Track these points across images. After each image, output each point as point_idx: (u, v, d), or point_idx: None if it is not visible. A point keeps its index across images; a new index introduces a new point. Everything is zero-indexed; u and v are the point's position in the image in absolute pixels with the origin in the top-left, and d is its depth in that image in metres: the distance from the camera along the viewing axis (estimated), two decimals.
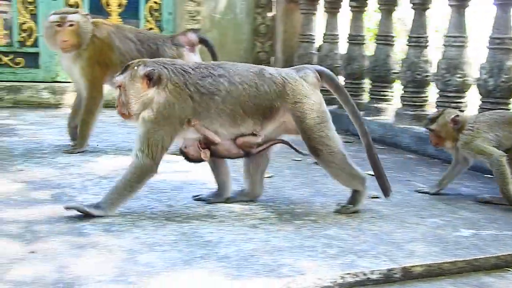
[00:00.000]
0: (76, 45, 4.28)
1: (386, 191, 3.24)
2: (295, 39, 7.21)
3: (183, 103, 2.94)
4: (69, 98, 6.71)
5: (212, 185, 3.39)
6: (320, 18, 7.08)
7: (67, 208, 2.84)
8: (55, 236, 2.59)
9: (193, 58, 4.61)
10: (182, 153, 3.22)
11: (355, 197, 3.23)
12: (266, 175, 3.84)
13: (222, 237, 2.69)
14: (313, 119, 3.09)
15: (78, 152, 4.27)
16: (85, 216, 2.84)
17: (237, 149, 3.13)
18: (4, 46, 6.84)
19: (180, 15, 7.35)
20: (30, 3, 6.89)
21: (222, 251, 2.52)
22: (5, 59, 6.84)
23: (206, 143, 3.09)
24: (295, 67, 3.29)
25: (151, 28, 7.36)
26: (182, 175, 3.74)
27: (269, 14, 7.58)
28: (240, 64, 3.25)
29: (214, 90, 2.98)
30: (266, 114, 3.07)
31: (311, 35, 6.96)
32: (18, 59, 6.91)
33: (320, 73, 3.22)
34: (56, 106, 6.76)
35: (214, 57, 4.84)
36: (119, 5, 7.26)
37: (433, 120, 3.68)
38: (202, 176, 3.76)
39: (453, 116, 3.60)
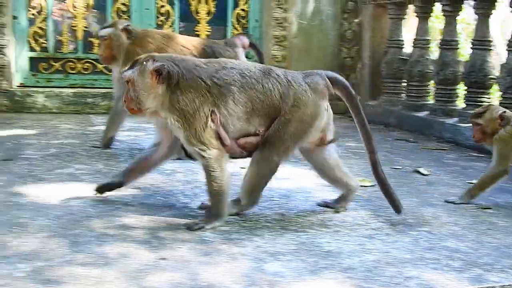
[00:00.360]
0: (112, 57, 4.43)
1: (397, 208, 3.10)
2: (382, 44, 7.13)
3: (202, 96, 2.87)
4: None
5: (318, 192, 3.39)
6: (408, 23, 6.99)
7: (191, 229, 2.82)
8: (181, 243, 2.65)
9: (243, 59, 4.71)
10: None
11: (234, 201, 3.08)
12: (367, 184, 3.84)
13: (341, 248, 2.69)
14: (294, 127, 2.99)
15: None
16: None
17: (239, 149, 3.03)
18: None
19: (267, 22, 7.41)
20: (123, 12, 7.11)
21: (345, 261, 2.52)
22: (100, 66, 7.08)
23: None
24: (306, 71, 3.18)
25: None
26: (286, 183, 3.76)
27: (356, 20, 7.53)
28: (247, 61, 3.20)
29: (231, 81, 2.92)
30: (270, 113, 2.99)
31: (399, 40, 6.87)
32: None
33: (332, 80, 3.11)
34: None
35: (261, 61, 4.94)
36: (208, 13, 7.39)
37: (479, 115, 3.56)
38: (306, 183, 3.78)
39: (500, 112, 3.49)
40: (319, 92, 3.05)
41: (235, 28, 7.45)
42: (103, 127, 5.74)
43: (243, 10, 7.47)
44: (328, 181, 3.34)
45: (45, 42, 6.94)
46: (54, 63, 6.98)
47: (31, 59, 6.90)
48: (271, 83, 2.99)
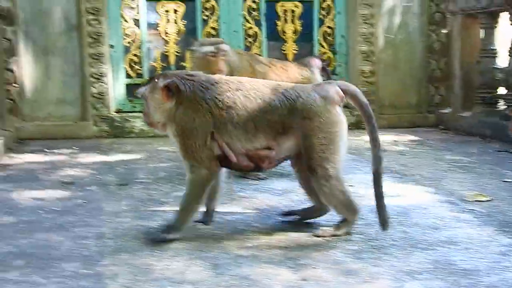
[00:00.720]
0: (228, 74, 4.37)
1: (383, 223, 3.03)
2: (473, 54, 7.00)
3: (203, 117, 2.99)
4: None
5: (435, 209, 3.36)
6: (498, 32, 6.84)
7: (154, 240, 2.97)
8: (314, 263, 2.69)
9: (319, 78, 4.90)
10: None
11: (340, 223, 3.12)
12: (483, 198, 3.78)
13: (477, 265, 2.66)
14: (317, 139, 2.99)
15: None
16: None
17: (247, 161, 3.08)
18: None
19: (353, 37, 7.42)
20: (213, 36, 7.29)
21: (486, 280, 2.49)
22: None
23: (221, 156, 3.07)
24: (317, 83, 3.17)
25: (324, 53, 7.52)
26: (400, 200, 3.76)
27: (444, 31, 7.44)
28: (260, 80, 3.27)
29: (231, 104, 3.00)
30: (279, 129, 3.03)
31: (492, 49, 6.73)
32: None
33: (344, 88, 3.09)
34: None
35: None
36: (294, 32, 7.49)
37: None
38: (420, 199, 3.77)
39: None
40: (331, 99, 3.05)
41: (322, 46, 7.50)
42: None
43: (329, 27, 7.52)
44: (307, 193, 3.31)
45: (140, 68, 7.19)
46: None
47: (127, 85, 7.17)
48: (278, 100, 3.03)
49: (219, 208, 3.41)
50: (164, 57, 7.25)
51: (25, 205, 3.70)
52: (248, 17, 7.37)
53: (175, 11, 7.21)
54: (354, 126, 6.78)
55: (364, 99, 3.12)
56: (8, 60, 6.60)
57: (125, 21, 7.09)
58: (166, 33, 7.22)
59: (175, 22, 7.23)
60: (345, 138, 3.08)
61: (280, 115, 3.02)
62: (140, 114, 6.86)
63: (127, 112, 7.14)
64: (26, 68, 6.76)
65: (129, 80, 7.17)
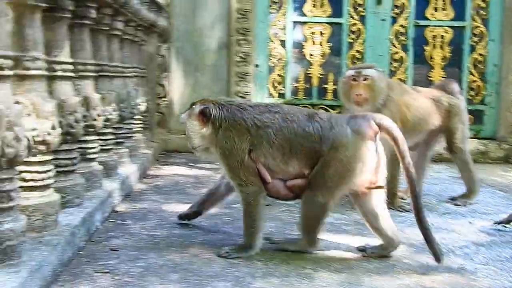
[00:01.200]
0: (369, 99, 4.25)
1: (436, 256, 2.99)
2: None
3: (242, 136, 3.07)
4: None
5: None
6: None
7: (219, 255, 3.08)
8: None
9: (465, 106, 4.71)
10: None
11: (297, 240, 3.25)
12: None
13: None
14: (334, 169, 3.04)
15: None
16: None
17: (286, 190, 3.16)
18: (332, 100, 7.26)
19: (507, 66, 7.03)
20: (358, 59, 7.22)
21: None
22: (334, 112, 7.23)
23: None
24: (353, 114, 3.25)
25: (474, 81, 7.19)
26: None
27: None
28: (296, 107, 3.31)
29: (269, 124, 3.09)
30: (312, 156, 3.07)
31: None
32: None
33: (378, 122, 3.08)
34: None
35: None
36: (443, 58, 7.22)
37: None
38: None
39: None
40: (362, 133, 3.06)
41: (471, 73, 7.18)
42: None
43: (480, 54, 7.18)
44: (372, 229, 3.25)
45: (282, 88, 7.27)
46: None
47: None
48: (313, 127, 3.10)
49: (369, 240, 3.31)
50: (307, 78, 7.28)
51: (175, 218, 3.81)
52: (395, 41, 7.22)
53: (321, 33, 7.22)
54: (502, 160, 6.39)
55: (399, 133, 3.10)
56: (161, 75, 6.93)
57: (272, 41, 7.21)
58: (311, 54, 7.25)
59: (320, 44, 7.24)
60: (363, 173, 3.07)
61: (312, 141, 3.09)
62: None
63: None
64: (176, 83, 7.06)
65: (270, 100, 7.26)
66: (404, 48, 7.23)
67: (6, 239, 2.26)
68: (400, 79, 7.15)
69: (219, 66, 7.08)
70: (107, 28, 4.15)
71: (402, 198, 4.49)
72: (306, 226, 3.19)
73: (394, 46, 7.22)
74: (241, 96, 7.03)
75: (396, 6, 7.19)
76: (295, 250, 3.22)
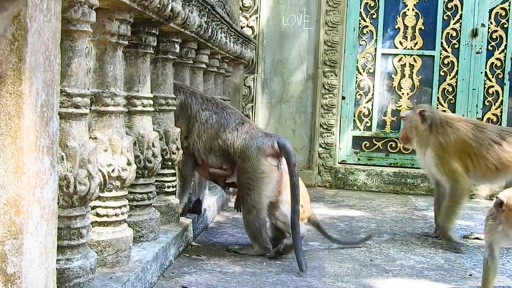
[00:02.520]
0: (406, 138, 4.55)
1: (300, 265, 3.42)
2: None
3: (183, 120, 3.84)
4: (483, 189, 6.48)
5: None
6: None
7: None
8: None
9: None
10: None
11: (247, 245, 3.78)
12: None
13: None
14: (245, 178, 3.60)
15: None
16: None
17: (207, 174, 3.86)
18: None
19: None
20: (449, 92, 6.95)
21: None
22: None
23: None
24: (267, 133, 3.73)
25: None
26: None
27: None
28: (239, 112, 3.85)
29: (204, 120, 3.74)
30: (228, 158, 3.69)
31: None
32: None
33: (280, 144, 3.58)
34: (469, 196, 6.58)
35: None
36: None
37: None
38: None
39: None
40: (262, 150, 3.59)
41: None
42: (427, 212, 5.61)
43: None
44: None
45: (369, 121, 7.10)
46: (376, 142, 7.09)
47: (354, 137, 7.11)
48: (232, 135, 3.67)
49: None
50: (396, 111, 7.08)
51: (251, 256, 3.74)
52: (489, 75, 6.90)
53: (411, 65, 7.02)
54: None
55: (292, 158, 3.52)
56: (246, 106, 6.96)
57: (360, 73, 7.08)
58: (400, 87, 7.05)
59: (410, 77, 7.03)
60: (269, 184, 3.59)
61: (228, 147, 3.68)
62: (365, 168, 6.85)
63: (352, 164, 7.08)
64: (260, 114, 7.06)
65: (356, 133, 7.11)
66: (500, 82, 6.89)
67: (75, 277, 2.27)
68: (494, 114, 6.82)
69: (305, 97, 7.02)
70: (191, 62, 4.19)
71: (478, 238, 4.51)
72: (251, 234, 3.68)
73: (489, 79, 6.89)
74: (325, 129, 6.92)
75: (492, 39, 6.87)
76: (252, 255, 3.69)
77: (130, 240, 2.84)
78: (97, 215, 2.73)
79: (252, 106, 7.03)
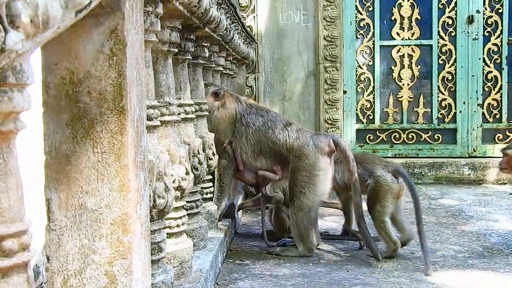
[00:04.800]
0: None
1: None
2: None
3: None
4: (491, 174, 6.57)
5: None
6: None
7: None
8: None
9: None
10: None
11: (292, 247, 3.79)
12: None
13: None
14: (301, 176, 3.62)
15: None
16: None
17: (251, 178, 3.85)
18: (424, 123, 7.07)
19: None
20: (448, 80, 7.03)
21: None
22: (424, 136, 7.05)
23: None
24: (317, 132, 3.95)
25: None
26: None
27: None
28: (279, 114, 3.99)
29: (251, 124, 3.75)
30: (280, 158, 3.72)
31: None
32: (437, 136, 7.07)
33: (335, 142, 3.68)
34: (477, 182, 6.67)
35: None
36: None
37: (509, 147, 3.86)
38: None
39: None
40: (320, 148, 3.65)
41: None
42: (442, 200, 5.66)
43: None
44: None
45: (371, 113, 7.14)
46: (379, 134, 7.13)
47: (358, 130, 7.14)
48: (282, 135, 3.70)
49: None
50: (397, 102, 7.13)
51: (294, 256, 3.72)
52: (487, 60, 6.99)
53: (410, 55, 7.07)
54: None
55: (350, 154, 3.63)
56: None
57: (359, 67, 7.10)
58: (400, 78, 7.10)
59: (409, 67, 7.08)
60: (325, 181, 3.65)
61: (280, 147, 3.73)
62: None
63: None
64: None
65: (360, 126, 7.14)
66: (498, 67, 6.98)
67: None
68: (494, 99, 6.93)
69: (307, 94, 7.03)
70: (214, 65, 4.16)
71: None
72: (298, 233, 3.65)
73: (487, 65, 6.99)
74: (330, 124, 6.94)
75: (488, 24, 6.96)
76: (294, 255, 3.68)
77: (191, 250, 2.81)
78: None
79: None
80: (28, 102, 1.29)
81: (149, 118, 2.22)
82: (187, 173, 2.72)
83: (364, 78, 7.12)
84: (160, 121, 2.64)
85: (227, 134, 3.77)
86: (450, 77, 7.03)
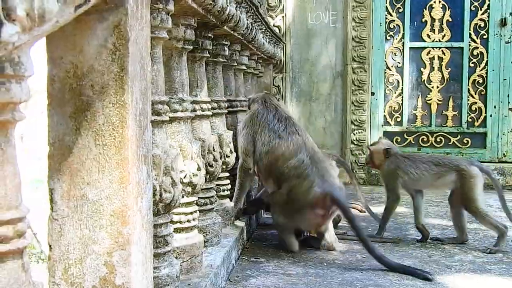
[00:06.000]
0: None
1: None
2: None
3: None
4: None
5: None
6: None
7: None
8: None
9: None
10: None
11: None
12: None
13: None
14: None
15: None
16: None
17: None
18: (453, 127, 6.98)
19: None
20: (479, 84, 6.92)
21: None
22: (453, 140, 6.96)
23: None
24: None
25: None
26: None
27: None
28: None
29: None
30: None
31: None
32: (466, 140, 6.97)
33: (332, 197, 3.60)
34: (506, 188, 6.55)
35: None
36: None
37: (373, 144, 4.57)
38: None
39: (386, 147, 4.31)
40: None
41: None
42: None
43: None
44: None
45: (399, 116, 7.08)
46: (407, 137, 7.07)
47: (385, 133, 7.09)
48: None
49: None
50: (426, 105, 7.05)
51: (310, 256, 3.73)
52: None
53: (440, 58, 6.99)
54: None
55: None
56: None
57: (388, 68, 7.05)
58: (430, 80, 7.02)
59: (439, 70, 7.00)
60: None
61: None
62: None
63: None
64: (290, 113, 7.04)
65: (387, 128, 7.09)
66: None
67: (164, 285, 2.27)
68: None
69: (334, 95, 7.01)
70: (235, 64, 4.19)
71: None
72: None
73: None
74: (356, 125, 6.91)
75: None
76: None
77: (201, 245, 2.84)
78: (171, 221, 2.72)
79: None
80: (27, 94, 1.34)
81: (158, 113, 2.26)
82: (198, 169, 2.75)
83: (392, 80, 7.06)
84: (173, 117, 2.68)
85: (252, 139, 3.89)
86: (481, 81, 6.92)
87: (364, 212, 5.16)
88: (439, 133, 7.00)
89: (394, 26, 7.01)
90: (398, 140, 7.08)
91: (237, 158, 3.89)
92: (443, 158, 4.29)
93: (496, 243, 3.95)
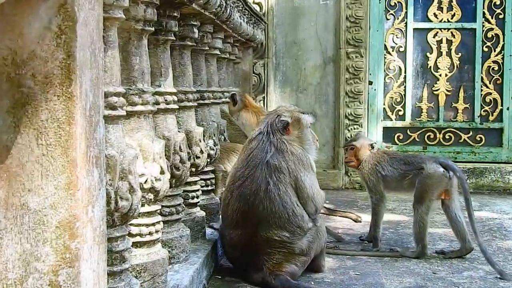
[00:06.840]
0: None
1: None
2: None
3: None
4: None
5: None
6: None
7: None
8: None
9: None
10: None
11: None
12: None
13: None
14: None
15: None
16: None
17: None
18: (464, 121, 7.08)
19: None
20: (494, 71, 7.02)
21: None
22: (464, 137, 7.06)
23: None
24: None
25: None
26: None
27: None
28: None
29: None
30: None
31: None
32: (479, 136, 7.07)
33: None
34: None
35: None
36: None
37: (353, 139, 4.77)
38: None
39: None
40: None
41: None
42: (481, 213, 5.67)
43: None
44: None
45: (401, 109, 7.16)
46: (411, 133, 7.15)
47: (385, 129, 7.16)
48: None
49: None
50: (432, 96, 7.14)
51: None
52: None
53: (449, 41, 7.07)
54: None
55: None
56: (256, 97, 6.99)
57: (389, 53, 7.13)
58: (437, 67, 7.11)
59: (448, 55, 7.09)
60: None
61: None
62: None
63: None
64: (273, 106, 7.08)
65: (387, 123, 7.17)
66: None
67: None
68: None
69: (325, 84, 7.08)
70: (207, 48, 4.22)
71: None
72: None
73: None
74: (352, 120, 6.97)
75: None
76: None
77: (166, 262, 2.87)
78: (129, 234, 2.75)
79: (264, 97, 7.07)
80: None
81: (112, 107, 2.29)
82: (162, 173, 2.78)
83: (393, 67, 7.14)
84: (131, 112, 2.71)
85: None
86: (496, 68, 7.02)
87: (360, 221, 5.23)
88: (448, 129, 7.10)
89: (395, 3, 7.10)
90: (401, 138, 7.16)
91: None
92: (413, 156, 4.55)
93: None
